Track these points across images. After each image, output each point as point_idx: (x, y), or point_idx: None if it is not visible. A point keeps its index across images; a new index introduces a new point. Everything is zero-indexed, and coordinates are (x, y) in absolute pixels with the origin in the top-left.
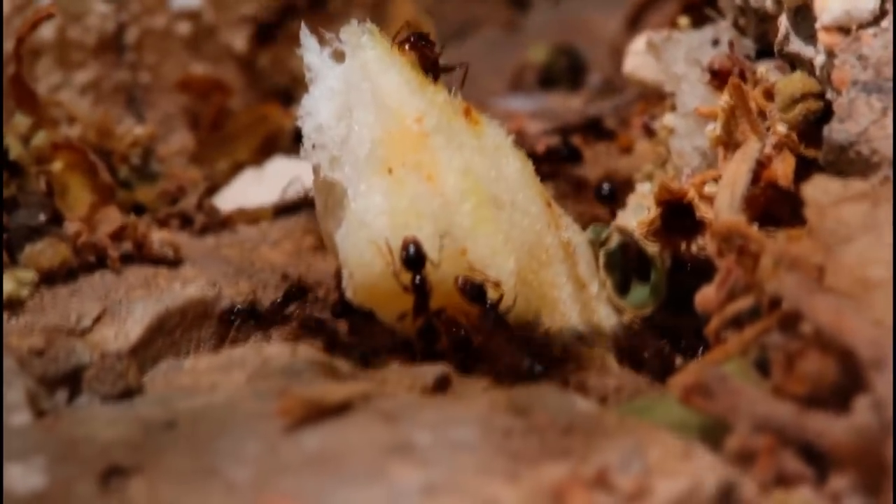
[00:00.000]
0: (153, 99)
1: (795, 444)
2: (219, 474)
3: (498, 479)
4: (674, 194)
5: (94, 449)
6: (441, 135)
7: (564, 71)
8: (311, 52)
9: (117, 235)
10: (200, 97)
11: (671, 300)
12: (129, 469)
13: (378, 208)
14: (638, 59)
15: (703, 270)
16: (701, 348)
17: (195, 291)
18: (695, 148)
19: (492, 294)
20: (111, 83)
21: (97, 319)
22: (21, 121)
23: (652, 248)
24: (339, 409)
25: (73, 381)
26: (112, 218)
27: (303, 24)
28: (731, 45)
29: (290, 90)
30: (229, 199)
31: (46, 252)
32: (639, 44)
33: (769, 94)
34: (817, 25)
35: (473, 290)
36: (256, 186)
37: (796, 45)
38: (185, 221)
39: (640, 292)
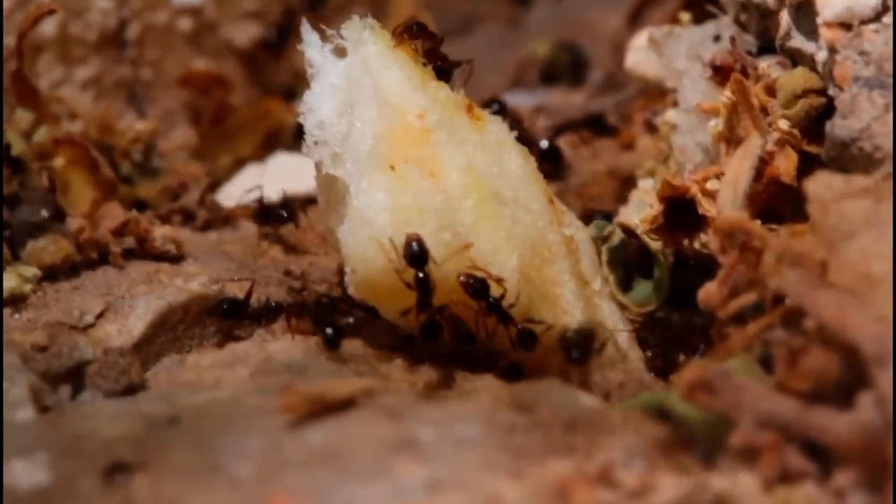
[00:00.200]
0: (155, 95)
1: (799, 440)
2: (222, 470)
3: (502, 475)
4: (676, 190)
5: (98, 445)
6: (443, 131)
7: (566, 67)
8: (312, 47)
9: (119, 231)
10: (202, 93)
11: (674, 297)
12: (133, 465)
13: (380, 205)
14: (639, 55)
15: (706, 267)
16: (704, 345)
17: (198, 287)
18: (697, 144)
19: (494, 291)
20: (113, 79)
21: (100, 315)
22: (23, 117)
23: (654, 244)
24: (343, 406)
25: (76, 377)
26: (114, 214)
27: (304, 21)
28: (732, 40)
29: (293, 86)
30: (231, 194)
31: (49, 248)
32: (640, 40)
33: (771, 90)
34: (819, 21)
35: (476, 287)
36: (258, 182)
37: (798, 41)
38: (188, 217)
39: (642, 289)
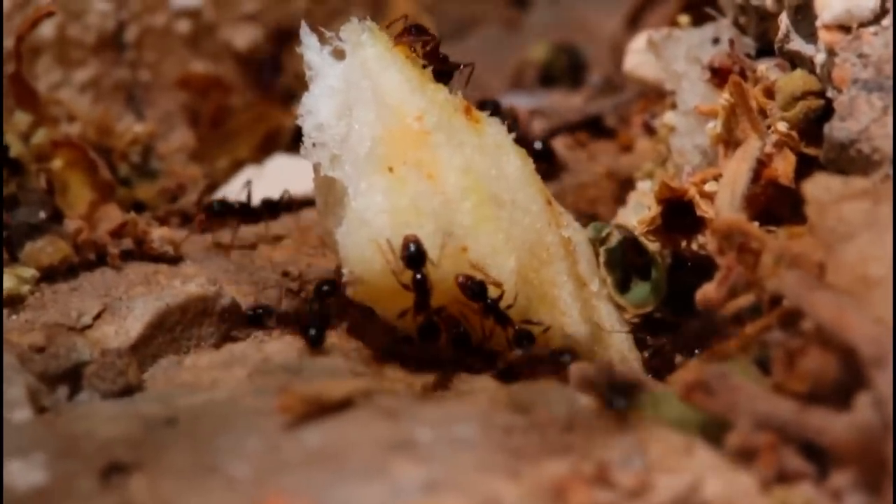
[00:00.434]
0: (153, 97)
1: (796, 441)
2: (219, 471)
3: (499, 475)
4: (674, 192)
5: (95, 445)
6: (441, 133)
7: (565, 69)
8: (311, 50)
9: (117, 233)
10: (200, 95)
11: (672, 298)
12: (130, 465)
13: (378, 206)
14: (638, 58)
15: (704, 268)
16: (701, 346)
17: (195, 288)
18: (695, 146)
19: (492, 292)
20: (111, 81)
21: (97, 316)
22: (21, 119)
23: (652, 245)
24: (340, 406)
25: (73, 377)
26: (112, 215)
27: (303, 23)
28: (731, 43)
29: (291, 88)
30: (229, 196)
31: (47, 249)
32: (639, 42)
33: (770, 93)
34: (818, 23)
35: (474, 288)
36: (257, 184)
37: (797, 44)
38: (186, 219)
39: (640, 290)
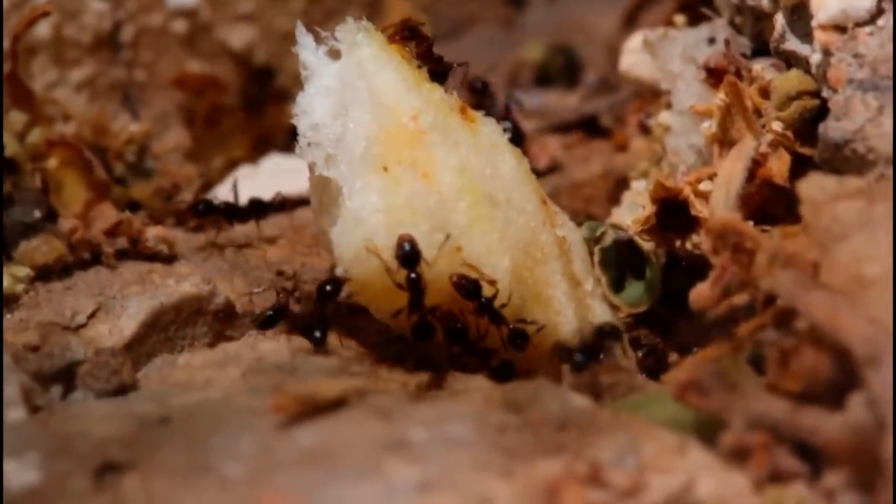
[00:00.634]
0: (148, 96)
1: (790, 440)
2: (213, 470)
3: (492, 475)
4: (669, 192)
5: (89, 445)
6: (437, 132)
7: (561, 69)
8: (306, 49)
9: (112, 232)
10: (195, 95)
11: (666, 297)
12: (124, 465)
13: (373, 206)
14: (634, 57)
15: (698, 267)
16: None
17: (190, 288)
18: (690, 145)
19: (486, 291)
20: (107, 81)
21: (92, 315)
22: (17, 118)
23: (647, 245)
24: (334, 406)
25: (67, 377)
26: (107, 214)
27: (298, 22)
28: (727, 43)
29: (287, 88)
30: (224, 196)
31: (41, 248)
32: (635, 42)
33: (765, 92)
34: (813, 24)
35: (469, 287)
36: (252, 184)
37: (792, 44)
38: (180, 218)
39: (635, 289)
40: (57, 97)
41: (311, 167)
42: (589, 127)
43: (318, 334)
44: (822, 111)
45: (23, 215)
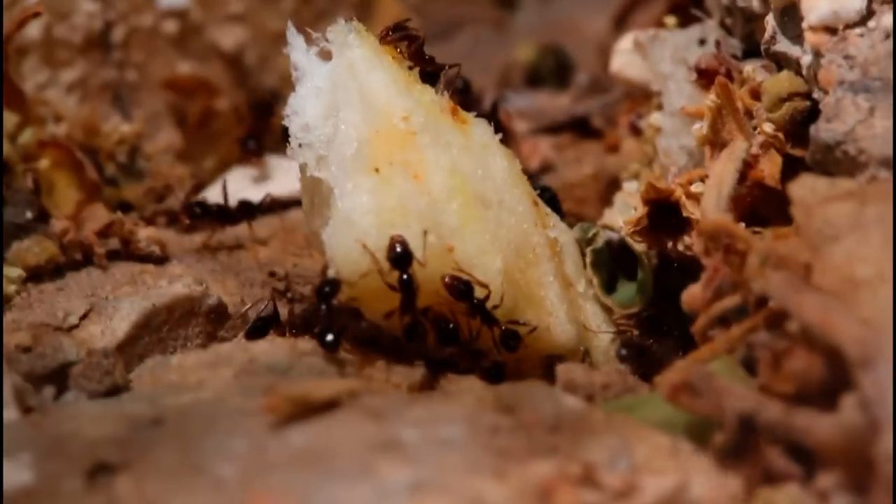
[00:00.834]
0: (140, 97)
1: (782, 442)
2: (206, 471)
3: (485, 476)
4: (660, 193)
5: (81, 445)
6: (428, 133)
7: (552, 70)
8: (297, 50)
9: (104, 233)
10: (187, 96)
11: (658, 299)
12: (116, 466)
13: (365, 207)
14: (625, 59)
15: (690, 269)
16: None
17: (182, 288)
18: (681, 147)
19: (478, 292)
20: (98, 81)
21: (84, 316)
22: (8, 119)
23: (639, 246)
24: (327, 407)
25: (59, 377)
26: (99, 215)
27: (289, 23)
28: (717, 44)
29: (277, 89)
30: (216, 196)
31: (33, 249)
32: (626, 43)
33: (756, 94)
34: (804, 25)
35: (461, 288)
36: (243, 184)
37: (783, 45)
38: (172, 219)
39: (626, 290)
40: (48, 98)
41: (303, 168)
42: (580, 128)
43: (330, 338)
44: (814, 113)
45: (14, 216)
